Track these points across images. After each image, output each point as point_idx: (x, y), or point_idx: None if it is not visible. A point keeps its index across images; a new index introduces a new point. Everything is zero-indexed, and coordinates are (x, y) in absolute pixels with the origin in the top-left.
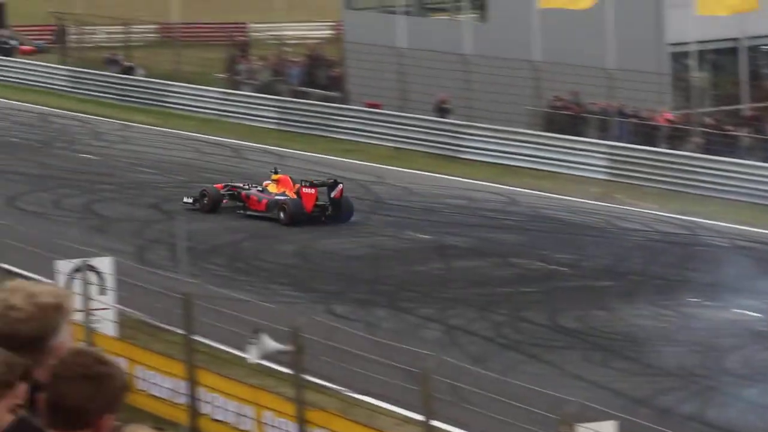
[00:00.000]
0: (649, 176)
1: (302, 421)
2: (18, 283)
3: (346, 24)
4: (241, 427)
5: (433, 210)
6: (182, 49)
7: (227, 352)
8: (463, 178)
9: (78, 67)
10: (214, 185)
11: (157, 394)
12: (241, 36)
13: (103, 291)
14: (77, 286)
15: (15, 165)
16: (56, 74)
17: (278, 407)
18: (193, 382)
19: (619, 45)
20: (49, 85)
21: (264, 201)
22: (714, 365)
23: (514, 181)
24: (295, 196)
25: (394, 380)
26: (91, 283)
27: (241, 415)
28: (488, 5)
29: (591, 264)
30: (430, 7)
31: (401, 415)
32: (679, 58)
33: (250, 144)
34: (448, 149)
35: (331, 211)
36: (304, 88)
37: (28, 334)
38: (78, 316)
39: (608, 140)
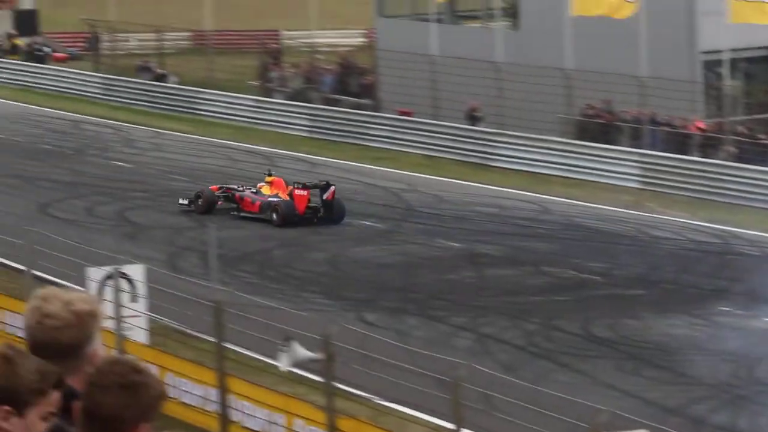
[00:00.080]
0: (681, 185)
1: (333, 429)
2: (50, 290)
3: (379, 31)
4: None
5: (465, 218)
6: (215, 57)
7: (258, 360)
8: (494, 186)
9: (111, 74)
10: (210, 187)
11: (187, 402)
12: (273, 43)
13: (134, 298)
14: (109, 293)
15: (48, 172)
16: (89, 81)
17: (309, 415)
18: (223, 390)
19: (652, 53)
20: (81, 93)
21: (257, 203)
22: (746, 375)
23: (546, 189)
24: (288, 198)
25: (424, 388)
26: (122, 291)
27: (271, 422)
28: (520, 13)
29: (623, 273)
30: (462, 15)
31: (432, 423)
32: (711, 66)
33: (282, 151)
34: (480, 157)
35: (323, 212)
36: (336, 96)
37: (66, 342)
38: (109, 324)
39: (640, 148)
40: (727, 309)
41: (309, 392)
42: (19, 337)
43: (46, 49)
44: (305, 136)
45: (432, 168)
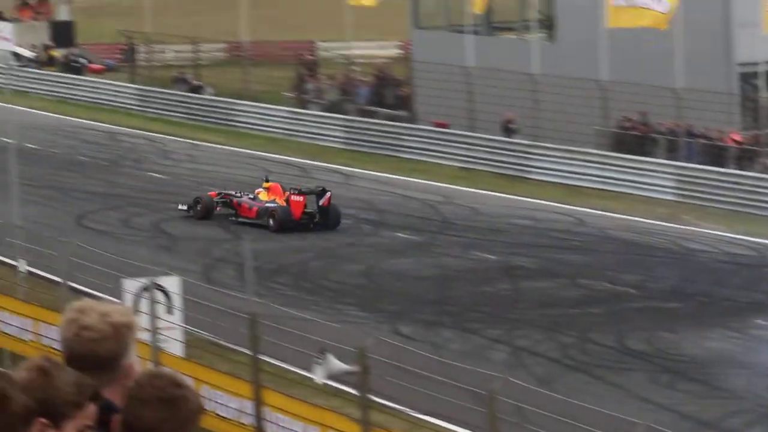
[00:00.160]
0: (717, 197)
1: None
2: (86, 302)
3: (414, 43)
4: None
5: (500, 230)
6: (250, 68)
7: (293, 372)
8: (530, 198)
9: (146, 85)
10: (208, 193)
11: (223, 414)
12: (309, 55)
13: (170, 310)
14: (144, 305)
15: (83, 183)
16: (125, 93)
17: (344, 428)
18: (258, 403)
19: (688, 65)
20: (117, 104)
21: (254, 208)
22: None
23: (582, 201)
24: (284, 204)
25: (459, 401)
26: (158, 302)
27: None
28: (556, 25)
29: (658, 285)
30: (498, 27)
31: None
32: (747, 78)
33: (317, 163)
34: (516, 169)
35: (319, 218)
36: (371, 108)
37: (103, 354)
38: (145, 336)
39: (676, 161)
40: (763, 322)
41: (344, 405)
42: (55, 349)
43: (82, 60)
44: (341, 148)
45: (468, 180)
